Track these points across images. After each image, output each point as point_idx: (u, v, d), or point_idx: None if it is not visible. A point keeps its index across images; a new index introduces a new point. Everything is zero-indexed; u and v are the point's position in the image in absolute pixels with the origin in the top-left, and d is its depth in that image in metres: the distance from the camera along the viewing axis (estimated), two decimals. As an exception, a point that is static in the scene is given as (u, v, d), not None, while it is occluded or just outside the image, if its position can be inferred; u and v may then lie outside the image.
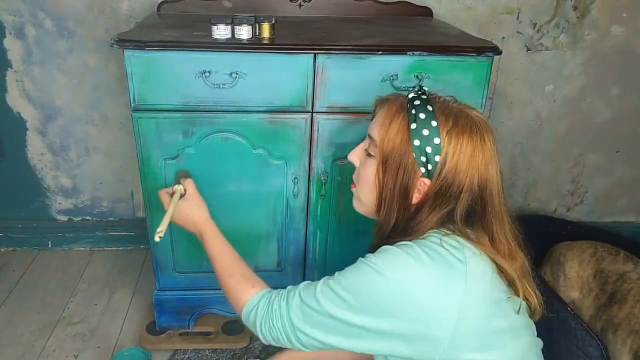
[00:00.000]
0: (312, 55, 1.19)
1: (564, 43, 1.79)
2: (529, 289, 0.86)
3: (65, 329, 1.58)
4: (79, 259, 1.91)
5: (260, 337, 0.92)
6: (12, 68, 1.70)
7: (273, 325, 0.88)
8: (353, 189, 0.97)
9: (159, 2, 1.59)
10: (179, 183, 1.14)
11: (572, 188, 2.06)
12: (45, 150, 1.83)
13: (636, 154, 2.00)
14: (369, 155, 0.90)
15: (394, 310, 0.78)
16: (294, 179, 1.33)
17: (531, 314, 0.89)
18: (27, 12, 1.63)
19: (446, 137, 0.81)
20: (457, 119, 0.83)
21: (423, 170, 0.83)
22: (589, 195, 2.08)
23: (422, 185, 0.84)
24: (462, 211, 0.84)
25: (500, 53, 1.23)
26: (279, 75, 1.20)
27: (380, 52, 1.20)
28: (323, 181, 1.34)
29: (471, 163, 0.81)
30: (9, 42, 1.67)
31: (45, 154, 1.84)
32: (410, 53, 1.20)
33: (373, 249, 0.89)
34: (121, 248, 1.98)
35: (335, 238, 1.43)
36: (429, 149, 0.82)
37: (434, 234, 0.83)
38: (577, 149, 1.98)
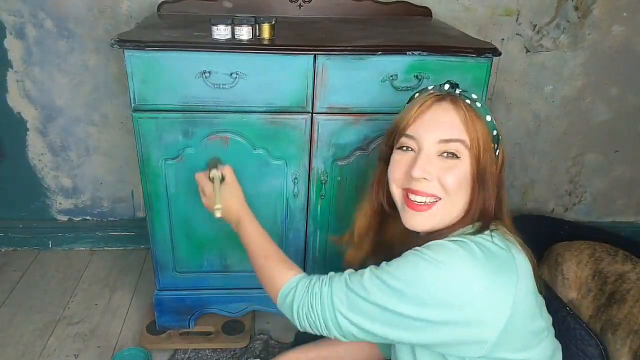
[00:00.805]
0: (312, 55, 1.19)
1: (564, 43, 1.79)
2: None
3: (66, 328, 1.59)
4: (79, 259, 1.92)
5: (295, 321, 0.89)
6: (12, 68, 1.70)
7: (311, 308, 0.85)
8: (430, 209, 0.85)
9: (159, 2, 1.59)
10: (213, 168, 1.10)
11: (570, 188, 2.06)
12: (46, 150, 1.83)
13: (635, 154, 2.01)
14: (447, 158, 0.84)
15: (448, 306, 0.76)
16: (294, 179, 1.33)
17: None
18: (27, 12, 1.63)
19: (493, 116, 0.88)
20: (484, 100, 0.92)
21: (495, 146, 0.87)
22: (588, 195, 2.08)
23: (497, 161, 0.88)
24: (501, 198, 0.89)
25: (499, 54, 1.23)
26: (279, 76, 1.21)
27: (380, 53, 1.20)
28: (323, 181, 1.34)
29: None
30: (9, 42, 1.67)
31: (45, 154, 1.84)
32: (410, 53, 1.21)
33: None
34: (121, 248, 1.99)
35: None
36: (494, 132, 0.87)
37: (482, 229, 0.84)
38: (575, 149, 1.99)
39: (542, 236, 1.64)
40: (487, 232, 0.83)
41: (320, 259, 1.46)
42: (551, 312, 1.10)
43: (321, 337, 1.04)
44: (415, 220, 0.87)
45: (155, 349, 1.49)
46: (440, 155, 0.84)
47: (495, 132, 0.86)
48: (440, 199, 0.84)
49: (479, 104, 0.86)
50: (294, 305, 0.88)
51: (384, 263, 0.83)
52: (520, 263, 0.80)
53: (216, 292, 1.49)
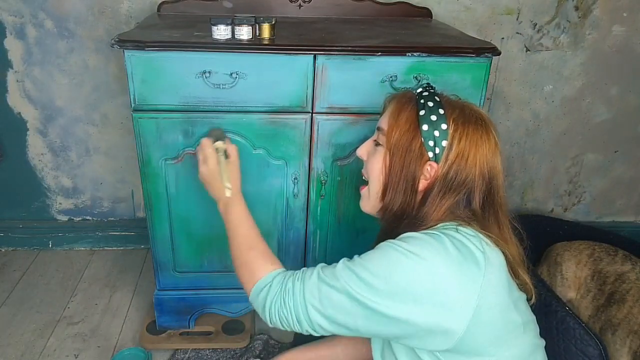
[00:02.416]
0: (312, 55, 1.19)
1: (564, 43, 1.80)
2: (525, 277, 0.89)
3: (66, 328, 1.59)
4: (79, 259, 1.92)
5: (266, 316, 0.89)
6: (12, 68, 1.70)
7: (284, 304, 0.86)
8: (362, 190, 0.97)
9: (159, 2, 1.59)
10: (219, 139, 1.07)
11: (569, 188, 2.06)
12: (46, 150, 1.83)
13: (635, 154, 2.01)
14: (377, 145, 0.92)
15: (418, 295, 0.77)
16: (294, 179, 1.33)
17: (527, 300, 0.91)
18: (27, 12, 1.63)
19: (452, 124, 0.85)
20: (463, 109, 0.87)
21: (430, 154, 0.85)
22: (587, 195, 2.08)
23: (429, 170, 0.86)
24: (478, 199, 0.86)
25: (499, 54, 1.23)
26: (279, 76, 1.21)
27: (380, 53, 1.20)
28: (323, 181, 1.34)
29: (477, 151, 0.85)
30: (9, 42, 1.67)
31: (45, 154, 1.84)
32: (410, 54, 1.21)
33: (382, 236, 0.90)
34: (121, 248, 1.99)
35: (335, 238, 1.44)
36: (436, 133, 0.85)
37: (449, 225, 0.84)
38: (575, 149, 1.99)
39: (541, 236, 1.64)
40: (454, 224, 0.84)
41: (320, 259, 1.47)
42: (551, 312, 1.10)
43: (320, 337, 1.05)
44: (360, 200, 0.98)
45: (155, 349, 1.49)
46: (375, 139, 0.93)
47: (431, 143, 0.85)
48: (367, 184, 0.95)
49: (423, 112, 0.86)
50: (267, 301, 0.89)
51: (356, 255, 0.85)
52: (491, 256, 0.82)
53: (216, 292, 1.49)
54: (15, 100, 1.75)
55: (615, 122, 1.94)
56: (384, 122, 0.91)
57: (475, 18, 1.74)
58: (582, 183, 2.06)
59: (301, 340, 1.28)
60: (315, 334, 0.87)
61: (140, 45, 1.15)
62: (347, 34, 1.37)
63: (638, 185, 2.08)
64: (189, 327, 1.53)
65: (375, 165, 0.91)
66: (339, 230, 1.42)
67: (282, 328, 0.89)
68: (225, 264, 1.45)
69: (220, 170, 1.04)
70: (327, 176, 1.34)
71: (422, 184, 0.87)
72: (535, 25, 1.77)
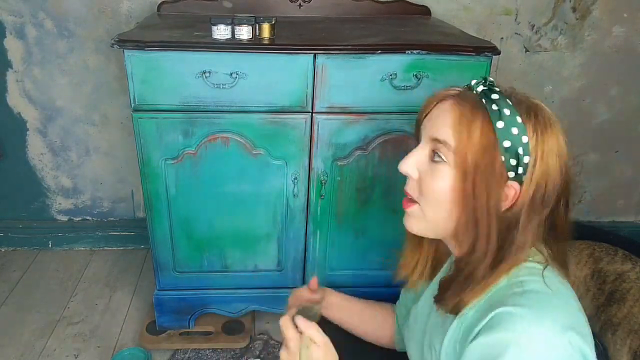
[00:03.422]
0: (312, 55, 1.19)
1: (562, 44, 1.79)
2: None
3: (66, 328, 1.59)
4: (79, 259, 1.92)
5: None
6: (12, 68, 1.70)
7: None
8: (410, 208, 0.78)
9: (159, 2, 1.59)
10: (305, 318, 0.80)
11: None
12: (46, 150, 1.83)
13: (635, 154, 2.01)
14: (436, 162, 0.73)
15: None
16: (294, 179, 1.33)
17: None
18: (27, 12, 1.63)
19: (533, 135, 0.69)
20: (536, 112, 0.71)
21: (512, 174, 0.70)
22: (587, 195, 2.08)
23: (507, 191, 0.70)
24: (562, 220, 0.73)
25: (499, 53, 1.23)
26: (279, 76, 1.21)
27: (379, 52, 1.20)
28: (323, 181, 1.34)
29: (559, 161, 0.70)
30: (9, 42, 1.67)
31: (45, 154, 1.84)
32: (409, 52, 1.21)
33: (452, 284, 0.74)
34: (121, 248, 1.99)
35: (335, 238, 1.44)
36: (520, 150, 0.68)
37: (533, 269, 0.71)
38: (575, 149, 1.99)
39: (541, 236, 1.64)
40: (537, 270, 0.70)
41: (320, 259, 1.46)
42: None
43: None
44: (404, 218, 0.80)
45: (155, 349, 1.49)
46: (432, 155, 0.74)
47: (513, 162, 0.68)
48: (417, 202, 0.76)
49: (502, 125, 0.69)
50: None
51: None
52: (579, 306, 0.70)
53: (216, 292, 1.49)
54: (15, 100, 1.75)
55: (615, 122, 1.94)
56: (445, 134, 0.71)
57: (474, 17, 1.74)
58: (582, 183, 2.06)
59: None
60: None
61: (140, 45, 1.15)
62: (347, 33, 1.37)
63: (638, 185, 2.08)
64: (189, 327, 1.53)
65: (438, 188, 0.72)
66: (339, 230, 1.42)
67: None
68: (225, 263, 1.45)
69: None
70: (327, 176, 1.34)
71: (502, 206, 0.72)
72: (534, 26, 1.77)
